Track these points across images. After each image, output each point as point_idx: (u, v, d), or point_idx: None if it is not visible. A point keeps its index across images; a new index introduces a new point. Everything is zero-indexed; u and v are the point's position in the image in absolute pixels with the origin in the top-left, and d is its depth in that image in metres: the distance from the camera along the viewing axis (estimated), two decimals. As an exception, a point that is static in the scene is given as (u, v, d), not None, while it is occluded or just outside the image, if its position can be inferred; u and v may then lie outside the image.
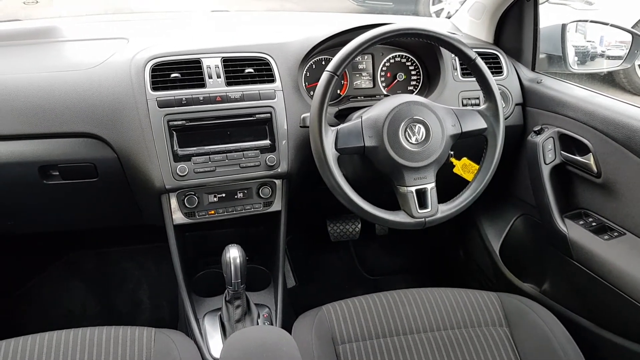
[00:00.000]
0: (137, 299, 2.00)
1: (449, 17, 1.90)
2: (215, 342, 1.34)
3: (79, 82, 1.29)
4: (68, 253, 2.04)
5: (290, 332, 1.17)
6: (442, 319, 1.22)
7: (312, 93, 1.48)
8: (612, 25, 1.61)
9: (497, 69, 1.58)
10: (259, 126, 1.34)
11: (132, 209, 1.45)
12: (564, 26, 1.61)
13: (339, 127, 1.19)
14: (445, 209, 1.23)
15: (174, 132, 1.28)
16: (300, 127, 1.27)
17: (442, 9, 5.41)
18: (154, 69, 1.29)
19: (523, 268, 1.68)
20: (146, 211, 1.45)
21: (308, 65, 1.48)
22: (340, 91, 1.54)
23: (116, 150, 1.28)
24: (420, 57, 1.58)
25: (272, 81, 1.36)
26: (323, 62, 1.49)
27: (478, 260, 1.87)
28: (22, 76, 1.30)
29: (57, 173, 1.31)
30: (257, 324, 1.34)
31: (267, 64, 1.37)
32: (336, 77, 1.16)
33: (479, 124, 1.26)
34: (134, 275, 2.05)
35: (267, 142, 1.34)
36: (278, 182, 1.39)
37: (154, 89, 1.28)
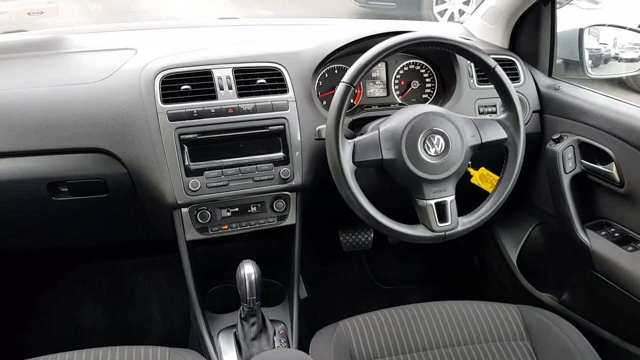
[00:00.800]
0: (148, 312, 1.97)
1: (453, 21, 1.87)
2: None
3: (87, 96, 1.26)
4: (76, 266, 2.01)
5: (307, 349, 1.14)
6: (462, 334, 1.19)
7: (325, 103, 1.45)
8: (630, 29, 1.58)
9: (513, 76, 1.55)
10: (272, 138, 1.31)
11: (143, 224, 1.43)
12: (581, 31, 1.58)
13: (356, 139, 1.16)
14: (466, 222, 1.20)
15: (186, 146, 1.25)
16: (316, 139, 1.24)
17: (446, 10, 5.39)
18: (163, 81, 1.27)
19: (541, 278, 1.65)
20: (157, 226, 1.42)
21: (321, 75, 1.45)
22: (354, 100, 1.51)
23: (126, 165, 1.25)
24: (435, 64, 1.55)
25: (285, 92, 1.33)
26: (336, 71, 1.46)
27: (494, 269, 1.84)
28: (29, 90, 1.28)
29: (66, 189, 1.29)
30: (274, 341, 1.31)
31: (280, 74, 1.34)
32: (353, 88, 1.13)
33: (499, 134, 1.22)
34: (144, 289, 2.02)
35: (280, 154, 1.31)
36: (292, 195, 1.36)
37: (164, 101, 1.25)
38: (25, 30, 1.66)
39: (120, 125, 1.24)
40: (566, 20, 1.64)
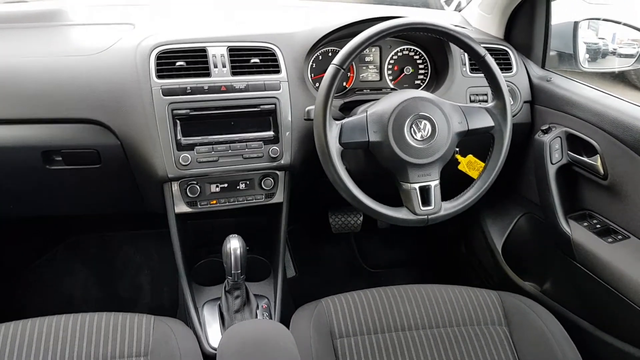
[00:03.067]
0: (138, 284, 2.01)
1: (460, 10, 1.87)
2: (213, 331, 1.34)
3: (84, 68, 1.28)
4: (71, 236, 2.04)
5: (288, 324, 1.17)
6: (441, 316, 1.22)
7: (317, 85, 1.47)
8: (625, 25, 1.58)
9: (506, 66, 1.56)
10: (263, 117, 1.33)
11: (134, 196, 1.45)
12: (576, 23, 1.59)
13: (343, 121, 1.18)
14: (449, 207, 1.22)
15: (178, 121, 1.27)
16: (305, 119, 1.26)
17: (452, -1, 5.34)
18: (159, 57, 1.28)
19: (525, 267, 1.67)
20: (148, 199, 1.45)
21: (314, 57, 1.47)
22: (346, 84, 1.52)
23: (120, 137, 1.28)
24: (429, 51, 1.56)
25: (278, 72, 1.35)
26: (330, 54, 1.48)
27: (480, 257, 1.87)
28: (27, 60, 1.30)
29: (60, 158, 1.31)
30: (256, 314, 1.35)
31: (273, 54, 1.36)
32: (342, 70, 1.15)
33: (486, 121, 1.24)
34: (135, 261, 2.05)
35: (270, 133, 1.33)
36: (280, 173, 1.39)
37: (159, 76, 1.27)
38: (25, 1, 1.67)
39: (115, 98, 1.26)
40: (570, 13, 1.64)
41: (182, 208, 1.35)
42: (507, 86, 1.27)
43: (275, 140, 1.33)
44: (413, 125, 1.17)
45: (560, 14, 1.62)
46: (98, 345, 1.06)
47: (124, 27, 1.46)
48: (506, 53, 1.58)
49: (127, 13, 1.59)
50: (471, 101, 1.50)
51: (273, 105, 1.32)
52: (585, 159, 1.37)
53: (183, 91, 1.27)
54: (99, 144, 1.29)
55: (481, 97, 1.51)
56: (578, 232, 1.37)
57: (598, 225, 1.36)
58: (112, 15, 1.58)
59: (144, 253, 2.06)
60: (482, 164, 1.28)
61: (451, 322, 1.21)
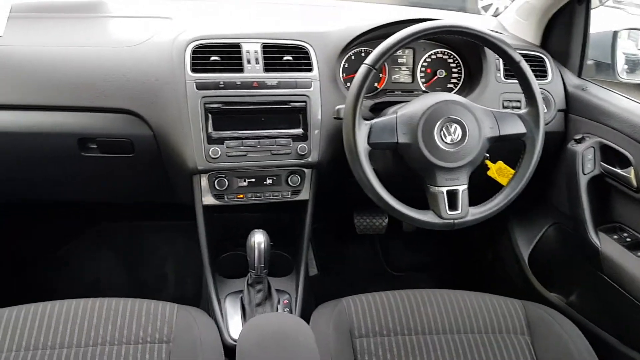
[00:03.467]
0: (163, 273, 2.04)
1: (497, 15, 1.86)
2: (235, 323, 1.36)
3: (122, 60, 1.31)
4: (100, 223, 2.09)
5: (308, 321, 1.18)
6: (462, 322, 1.21)
7: (348, 84, 1.47)
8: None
9: (541, 73, 1.54)
10: (293, 114, 1.34)
11: (165, 186, 1.48)
12: (615, 33, 1.55)
13: (372, 121, 1.18)
14: (476, 212, 1.21)
15: (210, 115, 1.29)
16: (334, 118, 1.27)
17: (491, 4, 5.26)
18: (194, 51, 1.31)
19: (551, 278, 1.65)
20: (178, 190, 1.48)
21: (347, 56, 1.47)
22: (378, 84, 1.52)
23: (153, 128, 1.31)
24: (463, 55, 1.55)
25: (310, 70, 1.36)
26: (363, 54, 1.48)
27: (505, 265, 1.85)
28: (68, 49, 1.34)
29: (95, 146, 1.35)
30: (277, 309, 1.36)
31: (306, 52, 1.37)
32: (374, 70, 1.15)
33: (518, 128, 1.23)
34: (162, 250, 2.09)
35: (299, 130, 1.34)
36: (307, 171, 1.40)
37: (194, 70, 1.29)
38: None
39: (150, 89, 1.29)
40: (609, 23, 1.61)
41: (209, 200, 1.37)
42: (542, 93, 1.26)
43: (303, 137, 1.34)
44: (443, 129, 1.17)
45: (599, 23, 1.60)
46: (122, 329, 1.09)
47: (162, 20, 1.49)
48: (542, 60, 1.56)
49: (166, 7, 1.63)
50: (504, 107, 1.48)
51: (303, 103, 1.33)
52: (618, 170, 1.34)
53: (216, 85, 1.29)
54: (133, 133, 1.32)
55: (514, 104, 1.49)
56: (607, 245, 1.34)
57: (628, 239, 1.33)
58: (151, 8, 1.61)
59: (170, 243, 2.09)
60: (512, 171, 1.27)
61: (472, 328, 1.20)
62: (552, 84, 1.54)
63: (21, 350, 1.03)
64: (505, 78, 1.49)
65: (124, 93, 1.29)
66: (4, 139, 1.31)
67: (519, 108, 1.48)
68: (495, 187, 1.27)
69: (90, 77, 1.29)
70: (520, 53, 1.22)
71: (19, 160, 1.39)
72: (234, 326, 1.35)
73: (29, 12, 1.49)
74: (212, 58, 1.31)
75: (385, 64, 1.50)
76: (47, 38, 1.38)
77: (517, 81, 1.25)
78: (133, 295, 1.17)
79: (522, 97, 1.41)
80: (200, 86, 1.28)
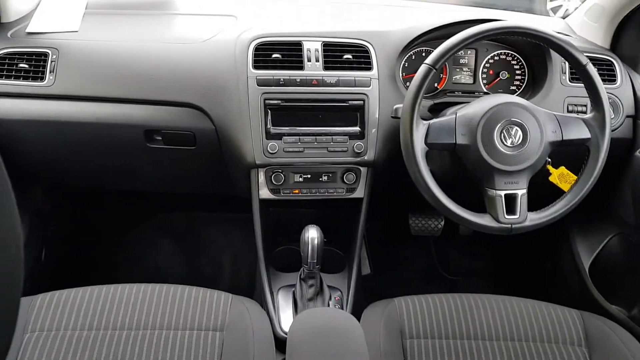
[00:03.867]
0: (220, 264, 2.09)
1: (565, 17, 1.80)
2: (286, 316, 1.38)
3: (188, 56, 1.36)
4: (161, 213, 2.17)
5: (359, 319, 1.19)
6: (517, 330, 1.18)
7: (408, 84, 1.47)
8: None
9: (610, 77, 1.48)
10: (351, 112, 1.35)
11: (224, 179, 1.52)
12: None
13: (430, 121, 1.17)
14: (535, 218, 1.18)
15: (269, 111, 1.32)
16: (392, 117, 1.27)
17: (560, 6, 5.08)
18: (257, 48, 1.34)
19: (613, 289, 1.58)
20: (236, 183, 1.51)
21: (407, 56, 1.46)
22: (438, 85, 1.51)
23: (215, 122, 1.35)
24: (527, 56, 1.51)
25: (369, 69, 1.36)
26: (423, 54, 1.47)
27: (564, 273, 1.79)
28: (138, 45, 1.40)
29: (160, 138, 1.40)
30: (328, 305, 1.37)
31: (366, 51, 1.38)
32: (434, 70, 1.14)
33: (583, 133, 1.19)
34: (219, 241, 2.14)
35: (356, 129, 1.35)
36: (363, 169, 1.40)
37: (255, 67, 1.33)
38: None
39: (214, 84, 1.33)
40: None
41: (266, 194, 1.40)
42: (609, 98, 1.21)
43: (360, 136, 1.35)
44: (504, 131, 1.15)
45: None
46: (179, 315, 1.13)
47: (227, 18, 1.53)
48: (611, 64, 1.50)
49: (232, 5, 1.67)
50: (569, 111, 1.44)
51: (362, 102, 1.34)
52: None
53: (276, 82, 1.31)
54: (196, 127, 1.37)
55: (580, 108, 1.44)
56: None
57: None
58: (218, 6, 1.66)
59: (227, 235, 2.14)
60: (575, 177, 1.23)
61: (527, 336, 1.17)
62: (621, 89, 1.48)
63: (85, 329, 1.08)
64: (570, 81, 1.45)
65: (189, 88, 1.34)
66: (76, 128, 1.38)
67: (584, 113, 1.43)
68: (556, 194, 1.23)
69: (159, 72, 1.34)
70: (587, 56, 1.18)
71: (90, 149, 1.46)
72: (286, 319, 1.37)
73: (103, 8, 1.56)
74: (274, 55, 1.34)
75: (446, 64, 1.49)
76: (119, 34, 1.45)
77: (583, 85, 1.21)
78: (190, 283, 1.21)
79: (588, 101, 1.37)
80: (261, 82, 1.31)
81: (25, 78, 1.34)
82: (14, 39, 1.39)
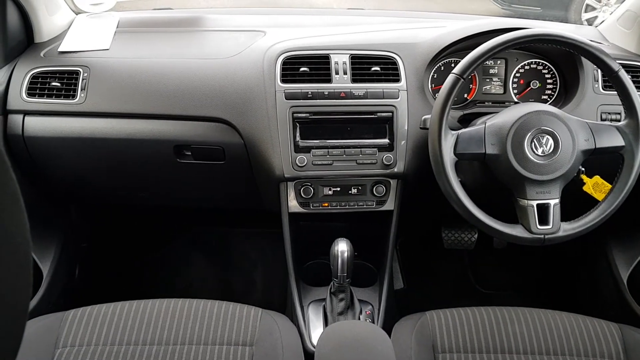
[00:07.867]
0: (252, 279, 2.10)
1: (595, 25, 1.77)
2: (317, 330, 1.37)
3: (217, 71, 1.38)
4: (193, 228, 2.19)
5: (390, 333, 1.17)
6: (552, 343, 1.15)
7: (437, 95, 1.46)
8: None
9: None
10: (379, 124, 1.35)
11: (253, 193, 1.53)
12: None
13: (459, 131, 1.16)
14: (568, 228, 1.15)
15: (298, 124, 1.33)
16: (420, 128, 1.26)
17: (596, 17, 4.98)
18: (284, 62, 1.35)
19: None
20: (265, 197, 1.52)
21: (436, 67, 1.46)
22: (468, 95, 1.50)
23: (243, 136, 1.36)
24: (559, 65, 1.48)
25: (397, 81, 1.36)
26: (452, 65, 1.46)
27: (601, 286, 1.74)
28: (168, 61, 1.43)
29: (190, 153, 1.42)
30: (359, 319, 1.36)
31: (394, 63, 1.37)
32: (462, 80, 1.14)
33: (616, 141, 1.16)
34: (250, 257, 2.15)
35: (385, 141, 1.35)
36: (393, 181, 1.40)
37: (283, 81, 1.34)
38: (171, 9, 1.84)
39: (242, 99, 1.35)
40: None
41: (295, 208, 1.40)
42: None
43: (389, 148, 1.35)
44: (534, 140, 1.13)
45: None
46: (209, 330, 1.13)
47: (256, 33, 1.55)
48: None
49: (260, 21, 1.69)
50: (602, 120, 1.41)
51: (390, 113, 1.34)
52: None
53: (304, 95, 1.32)
54: (225, 141, 1.38)
55: (613, 116, 1.41)
56: None
57: None
58: (247, 22, 1.68)
59: (259, 251, 2.15)
60: (610, 186, 1.20)
61: (564, 350, 1.14)
62: None
63: (116, 344, 1.09)
64: (603, 89, 1.42)
65: (218, 103, 1.36)
66: (107, 144, 1.41)
67: (618, 121, 1.40)
68: (591, 204, 1.20)
69: (188, 88, 1.37)
70: (620, 63, 1.16)
71: (121, 165, 1.49)
72: (316, 333, 1.36)
73: (134, 26, 1.61)
74: (302, 69, 1.35)
75: (476, 74, 1.48)
76: (149, 51, 1.48)
77: (616, 92, 1.18)
78: (223, 299, 1.21)
79: (622, 109, 1.34)
80: (289, 96, 1.32)
81: (58, 96, 1.38)
82: (46, 58, 1.43)
